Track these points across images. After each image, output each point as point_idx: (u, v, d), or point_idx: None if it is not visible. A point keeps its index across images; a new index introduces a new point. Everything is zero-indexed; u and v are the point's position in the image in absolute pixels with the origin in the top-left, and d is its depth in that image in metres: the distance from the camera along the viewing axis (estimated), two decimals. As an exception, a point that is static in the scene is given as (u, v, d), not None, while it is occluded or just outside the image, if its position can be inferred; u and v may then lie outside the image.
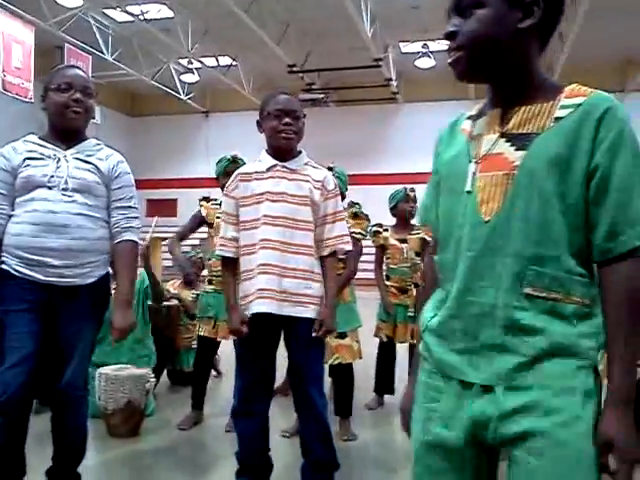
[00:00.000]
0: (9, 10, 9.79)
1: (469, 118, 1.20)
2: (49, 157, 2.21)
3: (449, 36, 1.11)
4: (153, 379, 3.42)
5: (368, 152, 15.60)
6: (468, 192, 1.10)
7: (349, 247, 2.45)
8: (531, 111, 1.08)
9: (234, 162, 3.42)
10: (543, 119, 1.07)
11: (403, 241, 3.99)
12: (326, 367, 3.34)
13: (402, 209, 4.01)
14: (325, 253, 2.36)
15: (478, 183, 1.09)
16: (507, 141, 1.09)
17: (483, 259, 1.07)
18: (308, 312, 2.27)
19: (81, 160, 2.24)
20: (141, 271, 3.92)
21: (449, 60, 1.12)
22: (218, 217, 3.40)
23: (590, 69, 14.16)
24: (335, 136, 15.27)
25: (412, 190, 4.06)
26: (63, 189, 2.18)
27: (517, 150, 1.07)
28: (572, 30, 10.96)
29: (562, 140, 1.04)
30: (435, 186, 1.22)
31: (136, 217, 2.33)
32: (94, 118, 11.42)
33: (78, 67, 2.42)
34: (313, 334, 2.26)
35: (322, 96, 15.42)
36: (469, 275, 1.09)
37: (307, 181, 2.31)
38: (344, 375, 3.36)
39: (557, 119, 1.06)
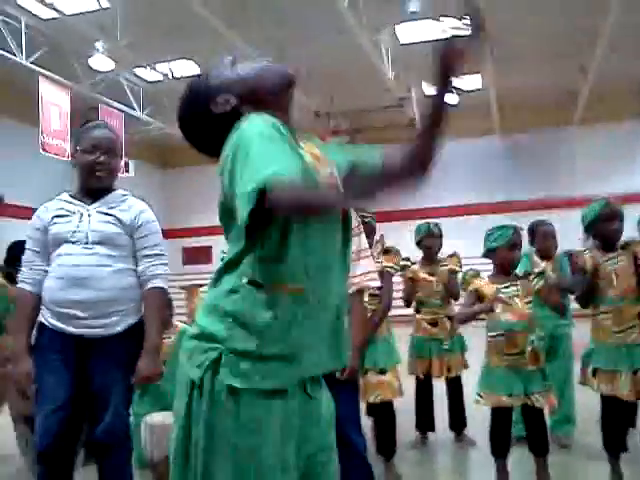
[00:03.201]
0: (45, 76, 10.29)
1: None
2: (74, 213, 2.33)
3: None
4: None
5: (397, 190, 15.63)
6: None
7: (376, 283, 2.45)
8: None
9: None
10: None
11: (432, 274, 4.01)
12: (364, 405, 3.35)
13: (426, 244, 4.06)
14: (350, 291, 2.36)
15: None
16: None
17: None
18: None
19: (103, 213, 2.33)
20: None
21: None
22: None
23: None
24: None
25: (435, 225, 4.11)
26: (85, 243, 2.27)
27: None
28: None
29: None
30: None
31: (162, 264, 2.38)
32: (129, 172, 11.64)
33: (105, 125, 2.51)
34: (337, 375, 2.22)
35: (348, 138, 15.62)
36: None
37: None
38: (385, 413, 3.35)
39: None
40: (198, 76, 1.50)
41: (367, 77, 12.21)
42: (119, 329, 2.29)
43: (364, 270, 2.38)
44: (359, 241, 2.40)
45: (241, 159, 1.17)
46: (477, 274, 3.22)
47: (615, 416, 3.02)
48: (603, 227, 3.03)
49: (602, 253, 3.05)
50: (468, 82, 13.09)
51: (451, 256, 4.15)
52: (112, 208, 2.35)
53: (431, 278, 4.00)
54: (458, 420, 4.00)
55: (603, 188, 13.02)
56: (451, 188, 15.05)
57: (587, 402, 3.76)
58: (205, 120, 1.40)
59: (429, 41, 10.90)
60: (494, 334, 3.10)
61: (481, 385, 3.10)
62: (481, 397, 3.08)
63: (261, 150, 1.16)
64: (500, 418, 3.06)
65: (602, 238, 3.07)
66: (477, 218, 13.03)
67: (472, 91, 13.24)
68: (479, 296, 3.08)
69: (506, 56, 11.19)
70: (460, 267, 4.07)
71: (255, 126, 1.23)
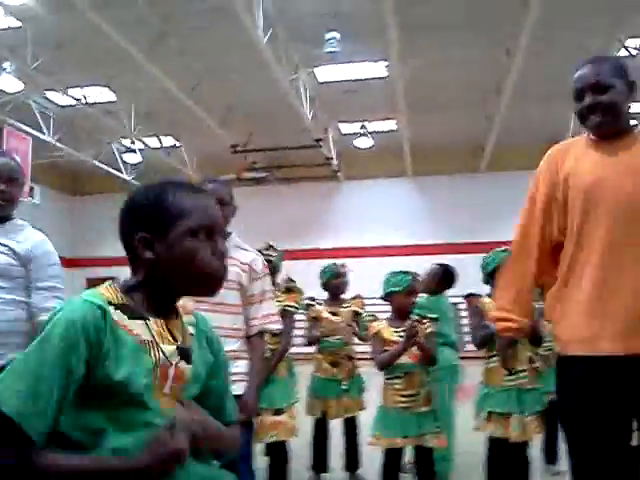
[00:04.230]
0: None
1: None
2: None
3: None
4: None
5: (311, 228, 15.85)
6: None
7: (277, 326, 2.49)
8: None
9: None
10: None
11: (335, 314, 4.07)
12: (261, 445, 3.31)
13: (332, 284, 4.13)
14: (252, 333, 2.39)
15: None
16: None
17: None
18: (238, 390, 2.28)
19: None
20: None
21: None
22: None
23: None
24: (279, 213, 15.50)
25: (342, 266, 4.20)
26: None
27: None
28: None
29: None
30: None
31: (56, 297, 2.28)
32: (33, 198, 11.05)
33: (4, 153, 2.47)
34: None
35: (265, 175, 15.71)
36: None
37: (234, 265, 2.29)
38: (279, 453, 3.33)
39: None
40: (164, 185, 1.28)
41: (285, 114, 12.42)
42: (1, 363, 2.15)
43: (265, 312, 2.42)
44: (262, 284, 2.41)
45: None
46: (374, 318, 3.30)
47: (500, 458, 3.13)
48: None
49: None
50: (383, 125, 13.60)
51: (354, 298, 4.23)
52: (7, 238, 2.28)
53: (333, 318, 4.05)
54: (353, 460, 4.03)
55: (506, 236, 13.68)
56: (364, 228, 15.40)
57: (468, 442, 3.88)
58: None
59: (347, 80, 11.30)
60: (391, 376, 3.17)
61: (376, 426, 3.16)
62: (376, 438, 3.13)
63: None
64: (392, 458, 3.13)
65: None
66: (390, 259, 13.29)
67: (386, 132, 13.76)
68: (381, 339, 3.15)
69: (418, 103, 11.71)
70: (363, 309, 4.15)
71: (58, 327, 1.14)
